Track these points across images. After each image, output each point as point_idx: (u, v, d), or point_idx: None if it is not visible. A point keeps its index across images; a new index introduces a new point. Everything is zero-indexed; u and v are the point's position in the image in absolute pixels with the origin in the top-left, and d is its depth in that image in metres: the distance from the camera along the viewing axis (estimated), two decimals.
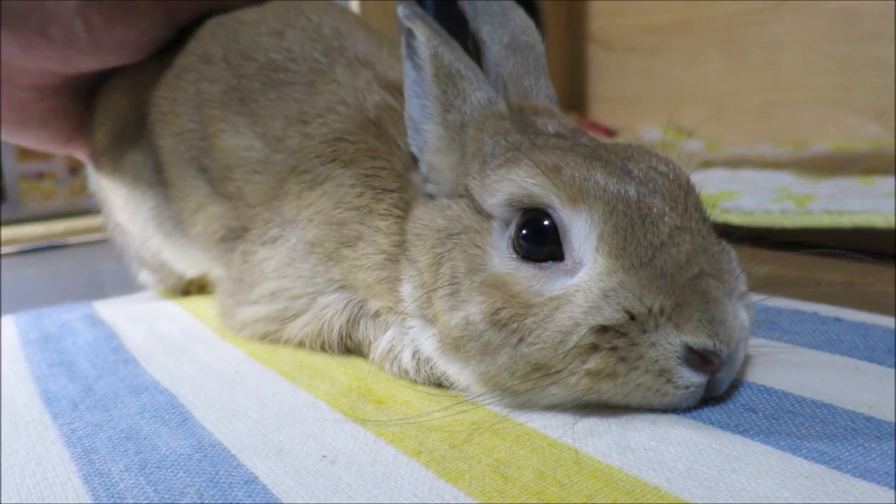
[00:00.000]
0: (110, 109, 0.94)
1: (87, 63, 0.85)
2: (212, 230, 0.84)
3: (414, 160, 0.68)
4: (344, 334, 0.71)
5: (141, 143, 0.90)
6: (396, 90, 0.75)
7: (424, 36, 0.64)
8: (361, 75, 0.78)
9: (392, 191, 0.69)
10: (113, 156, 0.93)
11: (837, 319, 0.73)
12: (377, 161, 0.71)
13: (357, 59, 0.80)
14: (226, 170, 0.81)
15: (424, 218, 0.64)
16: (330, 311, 0.71)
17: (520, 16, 0.72)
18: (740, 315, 0.53)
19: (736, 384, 0.58)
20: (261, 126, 0.79)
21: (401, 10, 0.64)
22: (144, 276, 1.06)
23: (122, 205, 0.96)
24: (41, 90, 0.90)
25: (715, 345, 0.50)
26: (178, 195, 0.87)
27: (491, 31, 0.71)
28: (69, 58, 0.83)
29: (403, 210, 0.67)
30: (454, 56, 0.64)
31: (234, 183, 0.80)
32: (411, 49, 0.65)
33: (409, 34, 0.65)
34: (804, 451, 0.47)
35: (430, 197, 0.66)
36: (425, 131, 0.66)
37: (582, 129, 0.68)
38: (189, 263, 0.95)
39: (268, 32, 0.84)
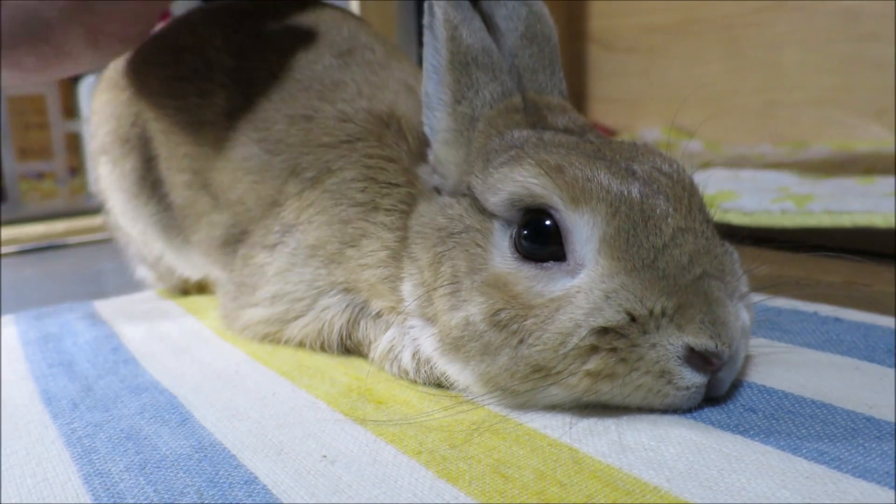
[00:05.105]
0: (114, 113, 0.93)
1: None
2: (214, 236, 0.84)
3: (424, 145, 0.67)
4: (344, 335, 0.71)
5: (143, 151, 0.90)
6: (412, 88, 0.75)
7: (444, 15, 0.62)
8: (379, 74, 0.79)
9: (399, 185, 0.68)
10: (114, 158, 0.93)
11: (837, 319, 0.73)
12: (384, 149, 0.70)
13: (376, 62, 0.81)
14: (228, 181, 0.81)
15: (426, 215, 0.63)
16: (331, 311, 0.71)
17: (536, 2, 0.71)
18: (742, 316, 0.53)
19: (736, 384, 0.58)
20: (261, 131, 0.79)
21: None
22: (142, 272, 1.06)
23: (121, 208, 0.95)
24: None
25: (717, 346, 0.50)
26: (181, 204, 0.88)
27: (506, 15, 0.69)
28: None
29: (409, 205, 0.67)
30: (473, 39, 0.62)
31: (236, 192, 0.80)
32: (431, 27, 0.64)
33: (430, 10, 0.63)
34: (804, 451, 0.47)
35: (437, 191, 0.66)
36: (436, 118, 0.65)
37: (590, 126, 0.67)
38: (191, 268, 0.95)
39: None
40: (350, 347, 0.72)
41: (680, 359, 0.51)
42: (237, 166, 0.80)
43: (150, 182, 0.90)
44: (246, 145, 0.79)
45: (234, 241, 0.82)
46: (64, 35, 0.67)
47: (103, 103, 0.95)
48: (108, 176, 0.95)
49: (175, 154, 0.86)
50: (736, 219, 1.13)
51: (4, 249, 1.59)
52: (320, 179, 0.72)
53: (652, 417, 0.53)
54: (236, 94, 0.82)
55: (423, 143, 0.68)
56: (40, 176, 2.07)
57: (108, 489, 0.49)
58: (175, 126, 0.86)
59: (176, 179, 0.87)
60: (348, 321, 0.71)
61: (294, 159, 0.75)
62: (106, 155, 0.95)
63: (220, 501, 0.47)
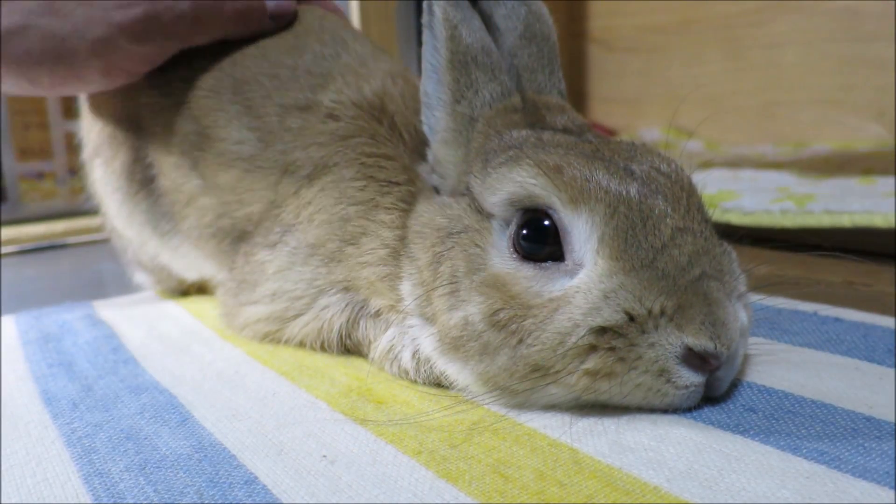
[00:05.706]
0: (102, 110, 0.93)
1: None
2: (204, 223, 0.83)
3: (422, 143, 0.67)
4: (343, 334, 0.71)
5: (132, 144, 0.89)
6: (405, 80, 0.74)
7: (443, 14, 0.62)
8: (366, 65, 0.78)
9: (398, 184, 0.68)
10: (105, 158, 0.93)
11: (837, 319, 0.73)
12: (380, 147, 0.70)
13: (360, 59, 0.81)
14: (218, 164, 0.80)
15: (425, 215, 0.63)
16: (330, 311, 0.71)
17: (535, 2, 0.71)
18: (741, 317, 0.53)
19: (736, 384, 0.58)
20: (253, 119, 0.78)
21: None
22: (140, 278, 1.06)
23: (116, 210, 0.95)
24: None
25: (716, 347, 0.50)
26: (169, 187, 0.87)
27: (505, 15, 0.69)
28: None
29: (409, 204, 0.67)
30: (472, 39, 0.63)
31: (226, 176, 0.80)
32: (430, 26, 0.64)
33: (430, 9, 0.64)
34: (804, 451, 0.47)
35: (436, 191, 0.65)
36: (435, 117, 0.65)
37: (589, 126, 0.67)
38: (185, 264, 0.94)
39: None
40: (350, 347, 0.72)
41: (678, 358, 0.51)
42: (227, 148, 0.79)
43: (139, 177, 0.89)
44: (238, 130, 0.79)
45: (224, 235, 0.82)
46: (84, 64, 0.74)
47: (92, 106, 0.95)
48: (102, 178, 0.95)
49: (164, 133, 0.85)
50: (736, 219, 1.13)
51: (4, 249, 1.59)
52: (317, 176, 0.71)
53: (652, 417, 0.53)
54: (224, 78, 0.82)
55: (420, 140, 0.68)
56: (40, 176, 2.07)
57: (108, 489, 0.49)
58: (161, 107, 0.85)
59: (165, 161, 0.86)
60: (348, 320, 0.71)
61: (287, 154, 0.75)
62: (99, 157, 0.94)
63: (220, 501, 0.47)
